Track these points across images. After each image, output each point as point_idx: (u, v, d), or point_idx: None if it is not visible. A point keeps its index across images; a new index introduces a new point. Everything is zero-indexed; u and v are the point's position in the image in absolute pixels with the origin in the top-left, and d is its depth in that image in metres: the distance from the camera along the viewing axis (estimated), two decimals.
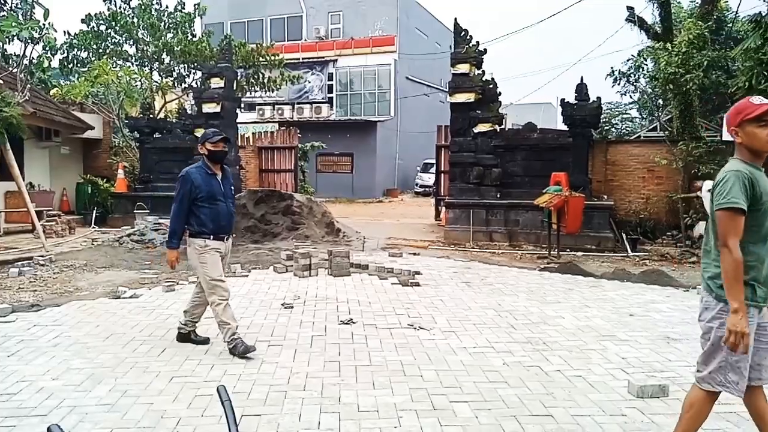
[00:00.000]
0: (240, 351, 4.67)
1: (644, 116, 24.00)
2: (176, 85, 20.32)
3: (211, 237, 4.85)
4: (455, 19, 13.23)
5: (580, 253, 10.91)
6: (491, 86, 13.02)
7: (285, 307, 6.36)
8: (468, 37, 13.07)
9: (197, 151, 5.51)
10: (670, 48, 11.83)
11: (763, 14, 11.45)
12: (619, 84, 15.59)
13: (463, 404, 3.86)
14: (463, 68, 12.91)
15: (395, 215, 18.99)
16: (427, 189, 26.71)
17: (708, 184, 10.72)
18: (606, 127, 22.27)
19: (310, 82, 30.48)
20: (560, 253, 10.63)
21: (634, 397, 3.99)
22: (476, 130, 12.86)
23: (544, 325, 5.83)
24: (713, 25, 14.63)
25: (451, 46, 13.61)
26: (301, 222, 11.89)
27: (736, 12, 16.91)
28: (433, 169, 19.77)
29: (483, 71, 13.17)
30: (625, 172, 13.35)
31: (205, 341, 5.09)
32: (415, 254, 10.54)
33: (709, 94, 16.39)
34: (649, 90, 17.39)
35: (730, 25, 17.24)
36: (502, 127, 13.71)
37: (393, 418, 3.65)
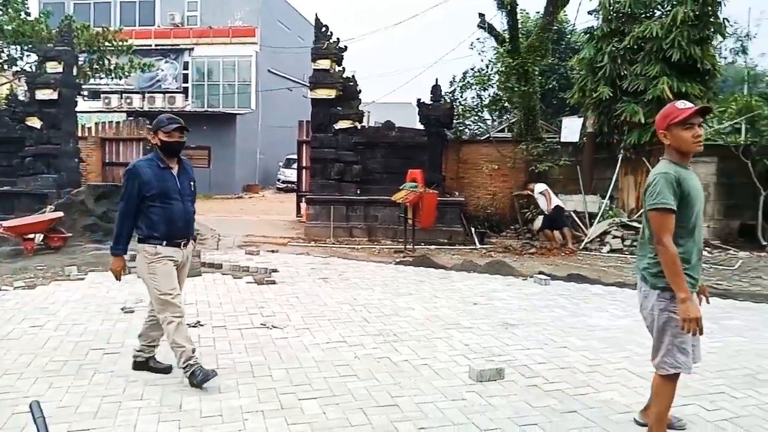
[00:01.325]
0: (198, 380, 3.94)
1: (494, 118, 25.68)
2: (6, 68, 18.18)
3: (164, 243, 4.07)
4: (316, 14, 13.20)
5: (433, 247, 11.39)
6: (352, 83, 13.15)
7: (125, 312, 5.90)
8: (329, 33, 13.08)
9: (148, 141, 4.71)
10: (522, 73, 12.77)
11: (595, 28, 12.73)
12: (460, 86, 16.59)
13: (311, 401, 3.84)
14: (324, 64, 12.89)
15: (255, 212, 18.54)
16: (289, 185, 26.34)
17: (539, 187, 11.71)
18: (460, 128, 23.57)
19: (163, 71, 28.73)
20: (415, 246, 11.02)
21: (474, 381, 4.22)
22: (337, 126, 12.92)
23: (396, 317, 5.99)
24: (554, 35, 16.01)
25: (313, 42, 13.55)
26: None
27: (574, 24, 18.64)
28: (296, 165, 19.60)
29: (344, 68, 13.25)
30: (475, 170, 14.17)
31: (167, 369, 4.27)
32: (273, 251, 10.35)
33: (550, 97, 17.93)
34: (499, 94, 18.63)
35: (569, 36, 18.96)
36: (363, 124, 13.92)
37: (238, 422, 3.52)
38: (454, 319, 5.96)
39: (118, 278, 4.24)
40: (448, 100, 12.74)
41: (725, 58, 18.72)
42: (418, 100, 12.66)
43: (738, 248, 11.88)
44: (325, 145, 12.90)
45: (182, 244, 4.17)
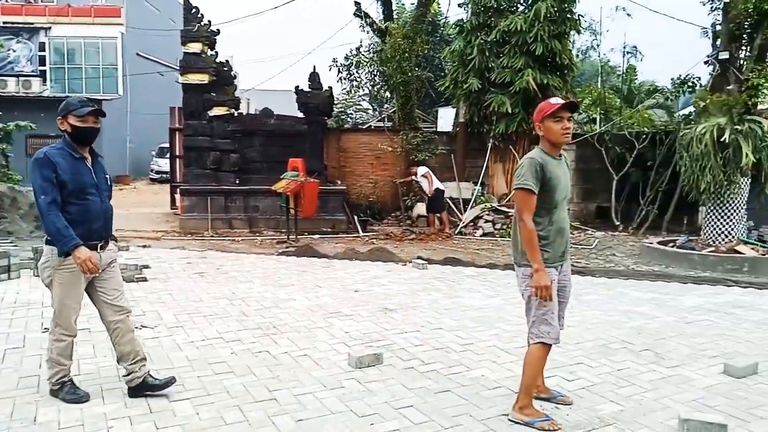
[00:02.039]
0: (68, 399, 3.57)
1: (375, 107, 26.01)
2: None
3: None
4: None
5: (316, 236, 11.35)
6: (226, 68, 12.70)
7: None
8: (199, 15, 12.50)
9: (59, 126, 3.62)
10: (405, 55, 12.93)
11: (465, 20, 13.22)
12: (341, 74, 16.56)
13: (183, 402, 3.66)
14: (195, 47, 12.32)
15: (126, 204, 17.36)
16: (163, 175, 25.00)
17: (422, 170, 12.03)
18: (342, 116, 23.60)
19: (15, 51, 25.98)
20: (298, 236, 10.91)
21: (353, 368, 4.25)
22: (211, 113, 12.43)
23: (276, 309, 5.89)
24: (428, 27, 16.44)
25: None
26: (2, 216, 10.10)
27: (447, 16, 19.28)
28: (169, 154, 18.60)
29: (217, 52, 12.75)
30: (356, 159, 14.27)
31: (168, 382, 3.76)
32: (145, 246, 9.77)
33: (427, 88, 18.45)
34: (378, 83, 18.84)
35: (442, 28, 19.58)
36: (241, 111, 13.49)
37: (101, 430, 3.28)
38: (335, 308, 5.97)
39: (93, 271, 3.51)
40: (327, 88, 12.63)
41: (582, 52, 20.38)
42: (297, 87, 12.48)
43: (595, 229, 13.01)
44: (199, 133, 12.36)
45: (99, 246, 3.61)
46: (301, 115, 12.84)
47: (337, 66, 15.47)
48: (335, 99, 14.21)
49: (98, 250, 3.61)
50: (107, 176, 3.77)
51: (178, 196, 14.04)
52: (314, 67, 12.67)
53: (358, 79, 15.77)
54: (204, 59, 12.33)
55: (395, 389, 3.89)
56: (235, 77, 12.95)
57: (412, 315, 5.76)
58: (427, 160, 13.43)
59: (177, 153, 14.99)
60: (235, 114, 12.72)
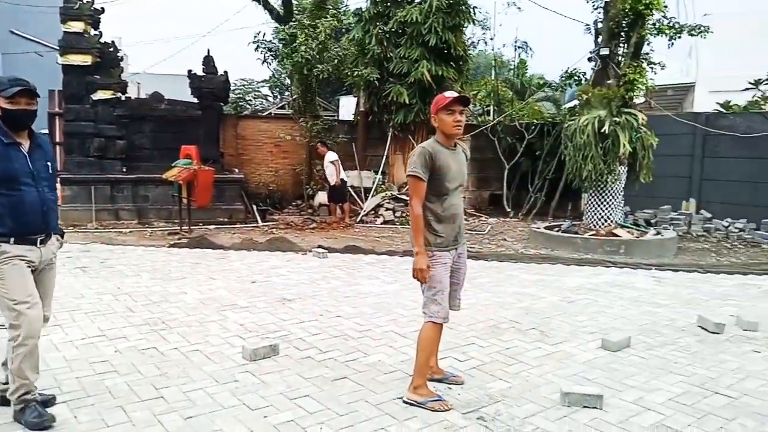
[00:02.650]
0: (31, 423, 3.11)
1: (275, 94, 25.47)
2: None
3: (12, 240, 3.15)
4: None
5: (212, 227, 10.96)
6: (111, 50, 11.90)
7: None
8: None
9: None
10: (311, 33, 12.61)
11: (363, 10, 13.20)
12: (260, 52, 16.00)
13: (60, 405, 3.40)
14: (77, 26, 11.43)
15: None
16: None
17: (331, 155, 11.87)
18: (240, 103, 22.89)
19: None
20: (192, 227, 10.47)
21: (248, 361, 4.14)
22: (95, 97, 11.63)
23: (166, 304, 5.62)
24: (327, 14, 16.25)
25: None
26: None
27: (347, 4, 19.16)
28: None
29: (101, 32, 11.88)
30: (255, 147, 13.90)
31: (48, 402, 3.34)
32: None
33: (329, 77, 18.29)
34: (280, 69, 18.43)
35: (343, 16, 19.47)
36: (129, 95, 12.71)
37: None
38: (230, 300, 5.79)
39: None
40: (223, 72, 12.17)
41: (476, 45, 21.06)
42: (190, 71, 11.93)
43: (488, 215, 13.57)
44: (81, 118, 11.52)
45: (39, 240, 3.25)
46: (195, 100, 12.29)
47: (259, 43, 14.77)
48: (231, 84, 13.71)
49: (38, 245, 3.25)
50: (49, 163, 3.37)
51: (58, 186, 12.99)
52: (208, 50, 12.16)
53: (275, 57, 15.12)
54: (87, 39, 11.47)
55: (291, 380, 3.84)
56: (121, 59, 12.17)
57: (310, 304, 5.70)
58: (330, 148, 13.32)
59: (57, 139, 13.84)
60: (122, 98, 11.96)
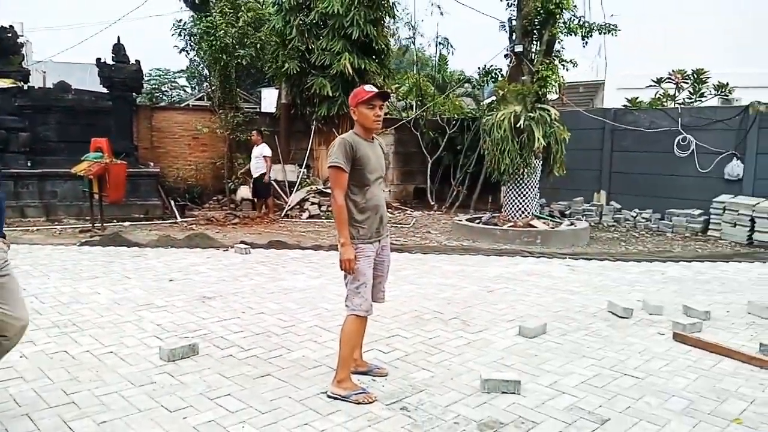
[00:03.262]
0: None
1: (193, 86, 24.62)
2: None
3: None
4: None
5: (127, 223, 10.47)
6: (10, 35, 11.08)
7: None
8: None
9: None
10: (232, 21, 12.21)
11: (283, 0, 12.96)
12: (182, 38, 15.31)
13: None
14: None
15: None
16: None
17: (266, 150, 11.55)
18: (156, 94, 21.97)
19: None
20: (105, 224, 9.96)
21: (166, 361, 3.99)
22: None
23: (77, 305, 5.32)
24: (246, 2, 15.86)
25: None
26: None
27: None
28: None
29: None
30: (171, 139, 13.40)
31: None
32: None
33: (250, 68, 17.87)
34: (198, 59, 17.79)
35: (262, 5, 19.06)
36: (32, 85, 11.90)
37: None
38: (147, 300, 5.55)
39: None
40: (134, 61, 11.61)
41: (400, 41, 21.25)
42: (98, 59, 11.30)
43: (413, 208, 13.75)
44: None
45: None
46: (105, 90, 11.66)
47: (179, 29, 14.04)
48: (145, 74, 13.12)
49: None
50: None
51: None
52: (118, 38, 11.55)
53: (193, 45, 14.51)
54: None
55: (211, 379, 3.73)
56: (22, 46, 11.34)
57: (232, 302, 5.57)
58: (249, 141, 13.05)
59: None
60: (25, 87, 11.18)
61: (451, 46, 20.36)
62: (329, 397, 3.46)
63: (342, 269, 3.42)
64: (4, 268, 3.04)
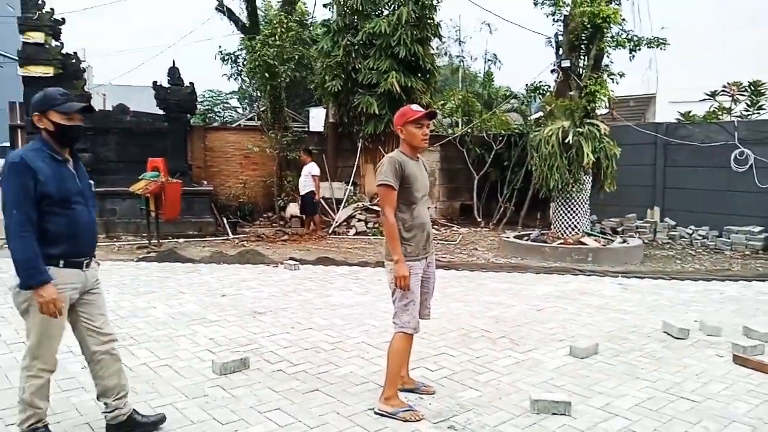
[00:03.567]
0: None
1: (244, 106, 25.32)
2: None
3: (62, 263, 2.96)
4: None
5: (182, 240, 10.81)
6: (74, 60, 11.68)
7: None
8: (41, 2, 11.37)
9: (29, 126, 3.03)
10: (267, 38, 12.61)
11: (331, 21, 13.26)
12: (227, 64, 15.84)
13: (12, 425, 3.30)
14: (37, 37, 11.19)
15: None
16: None
17: (314, 168, 11.74)
18: (209, 115, 22.70)
19: None
20: (161, 241, 10.32)
21: (218, 375, 4.10)
22: None
23: (134, 318, 5.53)
24: (297, 26, 16.30)
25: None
26: None
27: (313, 15, 19.24)
28: None
29: (62, 43, 11.68)
30: (223, 158, 13.79)
31: (160, 420, 3.33)
32: None
33: (298, 88, 18.29)
34: (248, 81, 18.31)
35: (311, 28, 19.54)
36: (93, 107, 12.48)
37: None
38: (200, 314, 5.72)
39: (60, 312, 2.91)
40: (189, 84, 12.06)
41: (449, 57, 21.35)
42: (155, 83, 11.79)
43: (460, 225, 13.69)
44: None
45: (85, 263, 3.09)
46: (161, 112, 12.15)
47: (223, 56, 14.55)
48: (199, 96, 13.60)
49: (83, 268, 3.09)
50: (90, 182, 3.23)
51: None
52: (173, 62, 12.04)
53: (240, 71, 14.96)
54: (47, 50, 11.25)
55: (262, 393, 3.81)
56: (84, 71, 11.96)
57: (281, 317, 5.67)
58: (298, 159, 13.31)
59: None
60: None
61: (499, 62, 20.31)
62: (376, 413, 3.47)
63: (397, 286, 3.43)
64: (96, 285, 3.22)
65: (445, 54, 20.12)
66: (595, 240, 9.86)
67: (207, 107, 23.13)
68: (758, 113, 12.00)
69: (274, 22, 13.08)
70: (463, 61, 20.04)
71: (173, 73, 11.93)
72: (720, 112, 12.31)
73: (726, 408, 3.65)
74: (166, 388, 3.89)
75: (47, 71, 11.14)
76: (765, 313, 6.06)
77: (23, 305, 2.96)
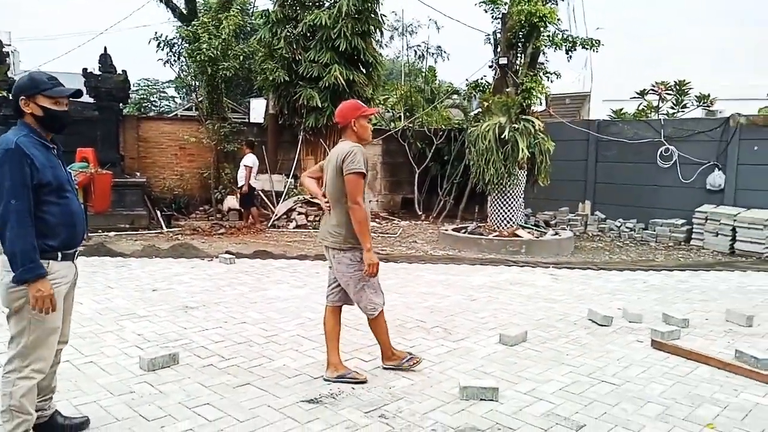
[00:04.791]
0: None
1: (182, 96, 24.59)
2: None
3: (59, 256, 2.80)
4: None
5: (113, 233, 10.42)
6: None
7: None
8: None
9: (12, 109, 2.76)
10: (214, 32, 12.23)
11: (271, 11, 13.04)
12: (162, 50, 15.20)
13: None
14: None
15: None
16: None
17: (251, 159, 11.47)
18: (144, 104, 21.93)
19: None
20: (89, 234, 9.90)
21: (146, 371, 3.98)
22: None
23: None
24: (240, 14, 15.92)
25: None
26: None
27: (254, 5, 18.86)
28: None
29: None
30: (158, 149, 13.37)
31: (81, 425, 3.14)
32: None
33: (239, 79, 17.88)
34: (186, 70, 17.76)
35: (252, 17, 19.15)
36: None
37: None
38: (129, 309, 5.54)
39: (50, 310, 2.72)
40: (121, 71, 11.60)
41: (391, 50, 21.36)
42: (84, 69, 11.29)
43: (401, 218, 13.79)
44: None
45: (75, 254, 2.96)
46: (91, 100, 11.63)
47: (159, 41, 13.91)
48: (133, 85, 13.10)
49: (74, 260, 2.97)
50: (70, 171, 3.05)
51: None
52: (105, 48, 11.54)
53: (178, 58, 14.33)
54: None
55: (191, 388, 3.73)
56: (7, 55, 11.31)
57: (214, 311, 5.56)
58: (237, 151, 13.07)
59: None
60: (9, 97, 11.12)
61: (445, 53, 20.38)
62: (385, 369, 4.05)
63: (368, 273, 3.66)
64: (76, 279, 3.12)
65: (387, 47, 20.16)
66: (529, 232, 10.15)
67: (142, 96, 22.35)
68: (683, 111, 12.65)
69: (214, 9, 12.73)
70: (408, 55, 20.11)
71: (104, 59, 11.46)
72: (648, 111, 12.91)
73: (643, 390, 3.85)
74: (90, 385, 3.75)
75: None
76: (684, 300, 6.41)
77: (18, 302, 2.74)
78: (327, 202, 3.82)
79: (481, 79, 12.06)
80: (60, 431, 3.12)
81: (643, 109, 13.12)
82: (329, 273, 3.98)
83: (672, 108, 12.78)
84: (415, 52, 19.88)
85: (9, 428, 2.78)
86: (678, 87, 12.67)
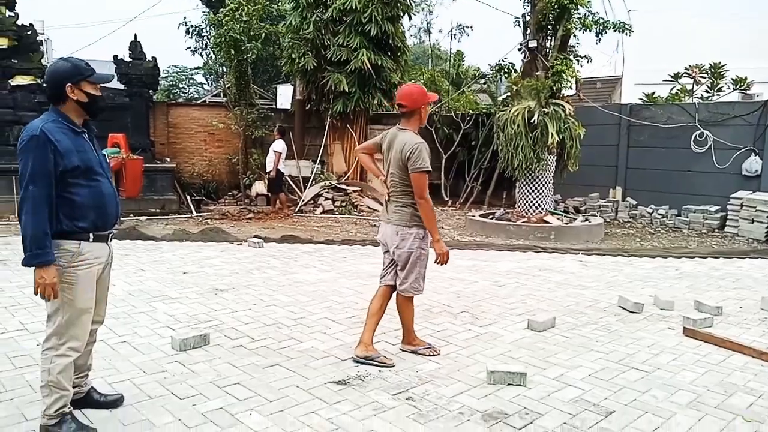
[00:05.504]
0: None
1: (210, 82, 24.83)
2: None
3: (91, 237, 2.86)
4: None
5: (144, 218, 10.63)
6: (30, 33, 11.26)
7: None
8: None
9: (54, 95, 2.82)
10: (235, 15, 12.31)
11: None
12: (191, 37, 15.40)
13: None
14: None
15: None
16: None
17: (276, 144, 11.55)
18: (174, 91, 22.20)
19: None
20: (121, 219, 10.09)
21: (177, 351, 4.06)
22: (14, 82, 10.98)
23: None
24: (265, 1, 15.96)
25: None
26: None
27: None
28: None
29: (17, 13, 11.24)
30: (187, 135, 13.54)
31: (115, 402, 3.25)
32: None
33: (266, 65, 17.97)
34: (213, 56, 17.92)
35: (278, 4, 19.17)
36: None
37: None
38: (161, 291, 5.65)
39: (52, 296, 2.76)
40: (151, 58, 11.76)
41: (415, 36, 21.22)
42: (115, 57, 11.47)
43: None
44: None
45: (109, 237, 3.03)
46: (122, 87, 11.83)
47: (187, 27, 14.06)
48: (162, 71, 13.26)
49: (108, 242, 3.03)
50: (104, 153, 3.11)
51: None
52: (135, 35, 11.71)
53: (205, 44, 14.51)
54: (2, 21, 10.82)
55: (221, 368, 3.80)
56: (42, 43, 11.54)
57: (243, 294, 5.64)
58: (265, 137, 13.17)
59: None
60: (43, 84, 11.36)
61: (469, 28, 20.12)
62: (401, 350, 4.13)
63: (440, 262, 3.88)
64: (111, 260, 3.15)
65: (420, 32, 20.00)
66: (558, 219, 10.03)
67: (171, 83, 22.63)
68: (718, 95, 12.29)
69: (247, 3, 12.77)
70: (429, 39, 19.96)
71: (135, 46, 11.62)
72: (682, 94, 12.57)
73: (674, 377, 3.79)
74: (123, 364, 3.85)
75: (1, 43, 10.72)
76: (717, 288, 6.28)
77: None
78: (388, 190, 3.96)
79: (503, 60, 11.81)
80: (96, 407, 3.22)
81: (676, 93, 12.79)
82: (384, 258, 4.10)
83: (707, 92, 12.43)
84: (440, 30, 19.71)
85: (48, 402, 2.88)
86: (713, 70, 12.31)
